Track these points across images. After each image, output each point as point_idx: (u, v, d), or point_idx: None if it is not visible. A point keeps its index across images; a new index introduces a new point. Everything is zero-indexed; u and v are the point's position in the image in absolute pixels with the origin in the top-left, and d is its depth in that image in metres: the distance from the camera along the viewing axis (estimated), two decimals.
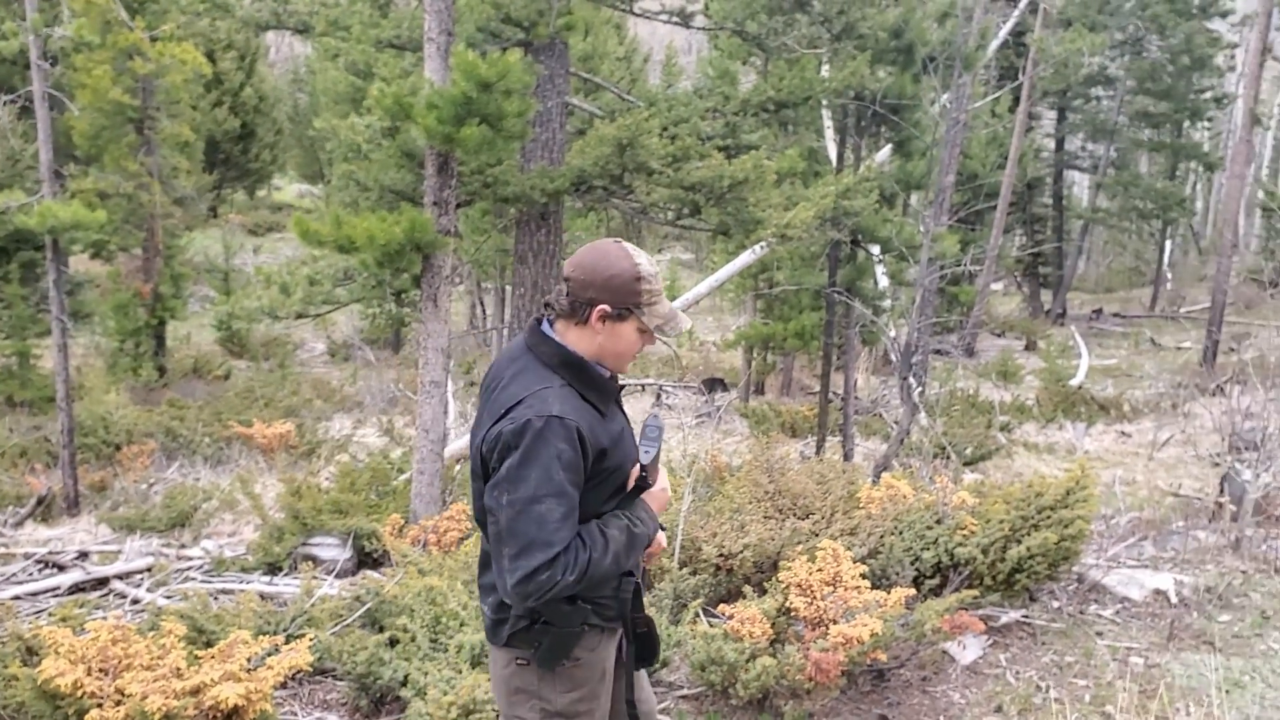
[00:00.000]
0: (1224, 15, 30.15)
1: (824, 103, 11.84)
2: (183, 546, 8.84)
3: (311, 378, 20.73)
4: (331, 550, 7.37)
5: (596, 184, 7.40)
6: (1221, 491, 9.12)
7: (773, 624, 4.89)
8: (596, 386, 2.72)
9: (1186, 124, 32.35)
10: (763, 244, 10.09)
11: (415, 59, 8.06)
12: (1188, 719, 4.91)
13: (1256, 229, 37.62)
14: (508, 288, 18.78)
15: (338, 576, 6.94)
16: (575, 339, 2.72)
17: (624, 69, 33.66)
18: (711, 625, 5.08)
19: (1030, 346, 25.63)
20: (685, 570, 5.61)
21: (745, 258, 11.77)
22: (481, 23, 7.73)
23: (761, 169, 7.21)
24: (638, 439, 2.81)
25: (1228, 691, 5.25)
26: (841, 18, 8.10)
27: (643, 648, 2.95)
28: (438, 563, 5.67)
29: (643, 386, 19.25)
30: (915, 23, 9.02)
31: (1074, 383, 19.24)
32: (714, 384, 18.60)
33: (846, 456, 10.12)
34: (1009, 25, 16.31)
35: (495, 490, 2.55)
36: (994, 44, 15.17)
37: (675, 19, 8.23)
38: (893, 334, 11.09)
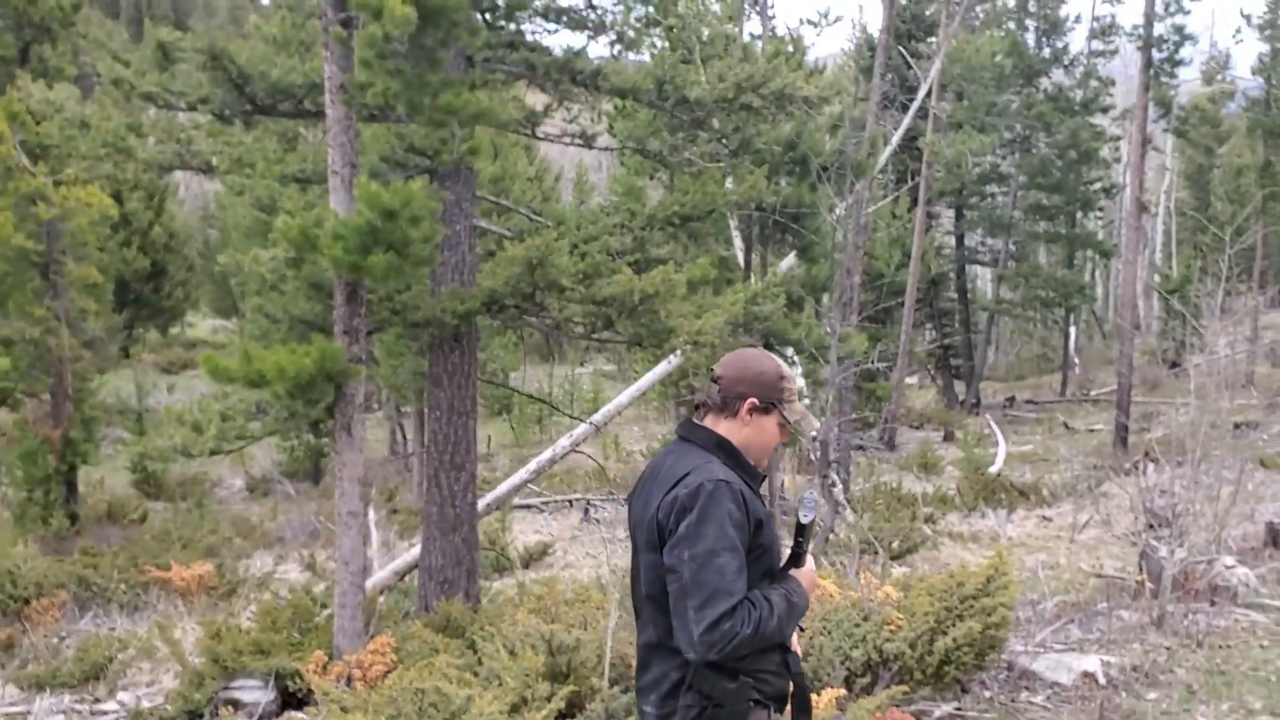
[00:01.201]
0: (1105, 110, 31.79)
1: (730, 213, 12.21)
2: (97, 701, 8.47)
3: (231, 515, 20.22)
4: (254, 693, 7.13)
5: (508, 303, 7.48)
6: (1141, 569, 9.29)
7: None
8: (746, 469, 2.93)
9: (1079, 214, 33.74)
10: (678, 352, 10.24)
11: (320, 191, 8.14)
12: None
13: (1156, 310, 39.05)
14: (426, 410, 18.67)
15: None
16: (725, 430, 2.95)
17: (535, 189, 34.11)
18: None
19: (949, 437, 26.07)
20: (617, 689, 5.53)
21: (663, 367, 11.90)
22: (386, 153, 7.86)
23: (671, 281, 7.36)
24: (798, 510, 2.98)
25: None
26: (738, 134, 8.41)
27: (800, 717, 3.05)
28: (362, 699, 5.52)
29: (570, 502, 19.11)
30: (808, 135, 9.39)
31: (993, 470, 19.56)
32: None
33: None
34: (900, 132, 17.01)
35: (676, 549, 2.72)
36: (887, 150, 15.78)
37: (579, 141, 8.46)
38: (814, 433, 11.21)
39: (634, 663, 5.58)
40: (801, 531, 2.93)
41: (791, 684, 2.98)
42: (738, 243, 13.88)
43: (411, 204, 6.18)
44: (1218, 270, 11.28)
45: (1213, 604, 8.19)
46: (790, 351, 11.15)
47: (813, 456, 9.61)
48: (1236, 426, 22.71)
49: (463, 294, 7.44)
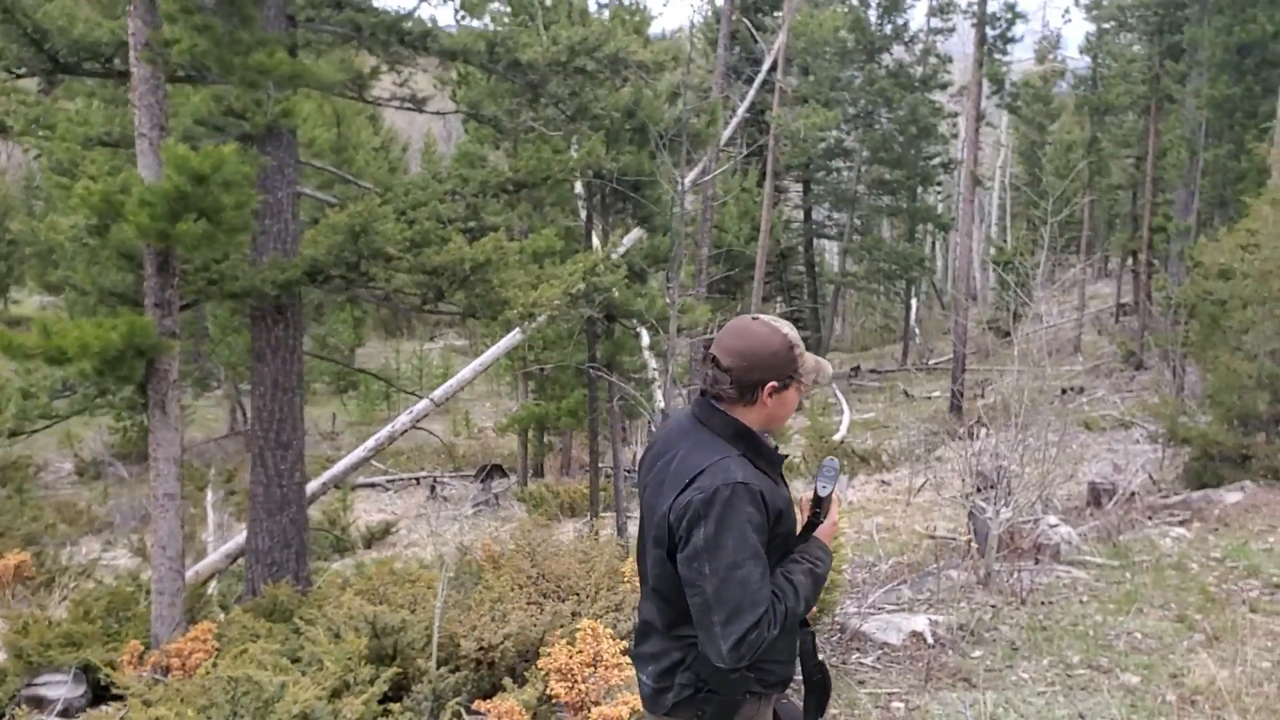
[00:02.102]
0: (943, 87, 32.75)
1: (573, 182, 12.04)
2: None
3: (57, 500, 19.19)
4: (61, 688, 6.70)
5: (333, 273, 7.17)
6: (970, 530, 9.56)
7: (534, 714, 4.72)
8: (766, 456, 2.80)
9: (919, 189, 34.75)
10: (523, 326, 10.05)
11: (130, 155, 7.65)
12: None
13: (991, 282, 40.56)
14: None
15: (67, 716, 6.30)
16: (742, 414, 2.78)
17: (381, 158, 33.31)
18: None
19: (798, 407, 26.60)
20: (445, 669, 5.37)
21: (507, 341, 11.70)
22: (201, 115, 7.43)
23: (503, 250, 7.17)
24: (817, 478, 2.91)
25: None
26: (574, 99, 8.24)
27: (820, 698, 2.99)
28: (174, 690, 5.21)
29: (416, 480, 18.76)
30: (646, 103, 9.29)
31: (837, 438, 20.02)
32: (492, 471, 18.32)
33: (620, 531, 10.08)
34: (746, 103, 17.10)
35: (694, 563, 2.60)
36: (734, 122, 15.85)
37: (408, 105, 8.16)
38: (662, 405, 11.21)
39: (462, 640, 5.45)
40: (819, 503, 2.87)
41: (802, 666, 2.93)
42: (584, 214, 13.75)
43: (223, 168, 5.84)
44: (1046, 242, 11.72)
45: (1036, 562, 8.47)
46: (634, 323, 11.13)
47: (651, 426, 9.57)
48: (1064, 391, 23.79)
49: (283, 264, 7.10)
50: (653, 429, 9.20)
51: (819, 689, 2.99)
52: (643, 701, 2.91)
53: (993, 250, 36.23)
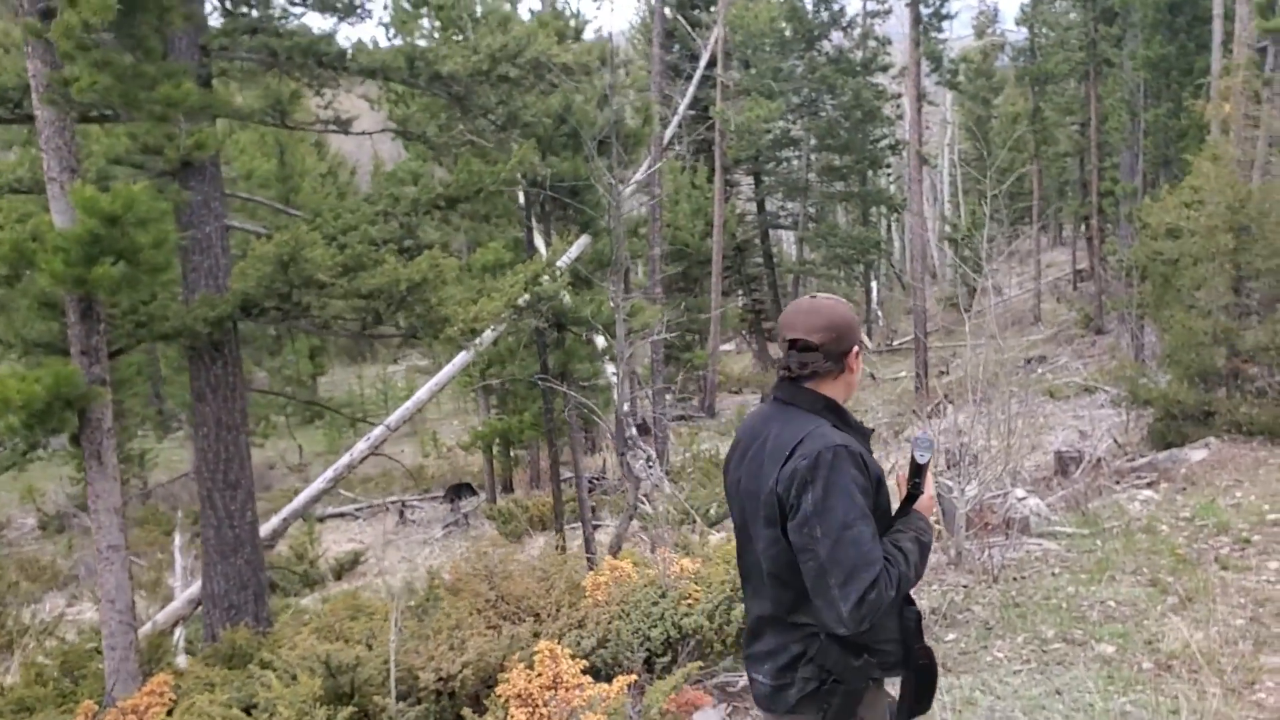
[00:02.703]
0: (884, 69, 32.83)
1: (514, 193, 11.89)
2: None
3: (20, 557, 18.76)
4: None
5: (266, 305, 6.99)
6: (938, 510, 9.49)
7: None
8: (855, 427, 2.84)
9: (869, 172, 34.82)
10: (477, 342, 9.89)
11: (44, 200, 7.43)
12: None
13: (949, 259, 40.70)
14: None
15: None
16: (828, 388, 2.84)
17: (329, 184, 33.00)
18: None
19: (765, 399, 26.52)
20: (404, 704, 5.20)
21: (460, 359, 11.53)
22: (117, 154, 7.23)
23: (439, 267, 7.01)
24: (914, 449, 2.94)
25: (960, 710, 5.31)
26: (503, 108, 8.10)
27: (923, 683, 2.90)
28: None
29: (385, 506, 18.53)
30: (577, 108, 9.16)
31: None
32: (461, 490, 18.12)
33: (588, 543, 9.95)
34: (686, 100, 17.02)
35: (805, 528, 2.60)
36: (675, 119, 15.75)
37: (333, 127, 7.99)
38: (626, 408, 11.07)
39: (420, 672, 5.28)
40: (918, 472, 2.89)
41: (905, 648, 2.84)
42: (534, 223, 13.61)
43: (135, 207, 5.65)
44: (998, 215, 11.70)
45: (1006, 537, 8.39)
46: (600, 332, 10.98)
47: (609, 433, 9.44)
48: (1027, 362, 23.87)
49: (214, 300, 6.90)
50: (609, 433, 9.05)
51: (925, 673, 2.90)
52: (758, 702, 2.88)
53: (947, 227, 36.38)
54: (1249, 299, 11.75)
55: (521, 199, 12.16)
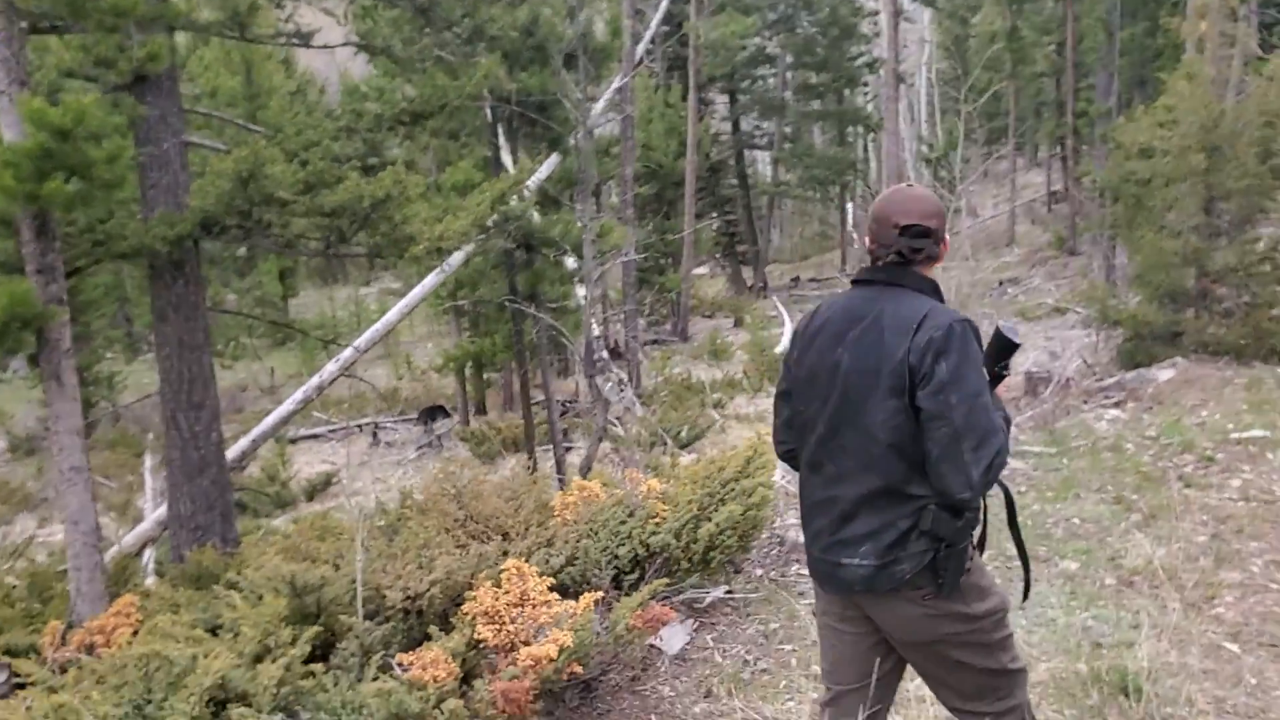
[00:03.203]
0: None
1: (487, 111, 11.67)
2: None
3: None
4: None
5: (228, 223, 6.84)
6: None
7: (462, 661, 4.58)
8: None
9: (846, 91, 34.44)
10: (433, 262, 9.76)
11: None
12: None
13: (926, 179, 40.52)
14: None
15: None
16: (930, 271, 2.97)
17: (298, 102, 32.38)
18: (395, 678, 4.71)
19: (739, 323, 26.51)
20: (372, 622, 5.20)
21: (430, 280, 11.41)
22: (69, 67, 7.01)
23: (404, 184, 6.86)
24: (1003, 332, 3.04)
25: None
26: (468, 20, 7.88)
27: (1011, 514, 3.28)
28: (89, 671, 5.00)
29: (359, 427, 18.49)
30: (545, 20, 8.94)
31: (778, 350, 19.96)
32: (434, 412, 18.08)
33: (559, 465, 9.95)
34: (659, 14, 16.68)
35: (940, 394, 2.70)
36: (648, 34, 15.44)
37: (295, 41, 7.76)
38: (596, 333, 11.03)
39: (387, 591, 5.28)
40: (1008, 353, 3.01)
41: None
42: (502, 141, 13.39)
43: (86, 121, 5.48)
44: (974, 136, 11.63)
45: None
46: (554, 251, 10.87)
47: (578, 356, 9.39)
48: (1000, 283, 23.94)
49: (173, 217, 6.74)
50: (578, 356, 8.99)
51: (1008, 505, 3.24)
52: (851, 586, 2.90)
53: (923, 148, 36.16)
54: (1219, 219, 11.74)
55: (489, 116, 11.96)
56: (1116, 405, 10.03)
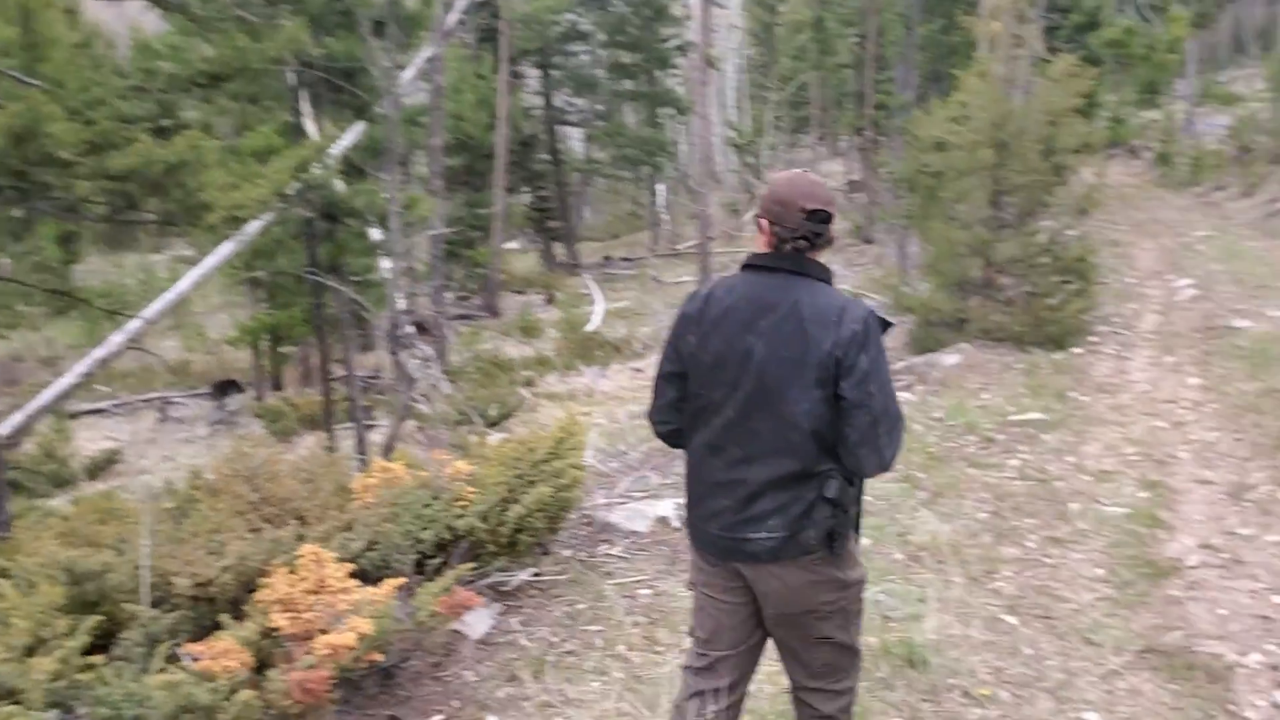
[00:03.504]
0: None
1: (292, 75, 11.19)
2: None
3: None
4: None
5: (1, 184, 6.33)
6: None
7: (256, 650, 4.40)
8: None
9: (658, 72, 34.69)
10: (229, 232, 9.32)
11: None
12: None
13: (734, 164, 41.33)
14: None
15: None
16: (822, 258, 3.13)
17: (85, 57, 30.23)
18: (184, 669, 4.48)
19: (550, 300, 26.45)
20: (159, 610, 4.93)
21: (226, 249, 10.88)
22: None
23: (200, 149, 6.50)
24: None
25: None
26: None
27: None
28: None
29: (147, 402, 17.54)
30: None
31: (589, 328, 20.04)
32: (227, 387, 17.32)
33: (360, 444, 9.68)
34: None
35: (864, 385, 2.90)
36: (458, 3, 15.13)
37: None
38: (403, 307, 10.76)
39: (175, 577, 5.01)
40: (885, 330, 3.08)
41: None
42: (306, 108, 12.87)
43: None
44: (780, 123, 11.92)
45: None
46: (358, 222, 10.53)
47: (381, 336, 9.15)
48: None
49: None
50: (380, 332, 8.75)
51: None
52: (758, 557, 3.05)
53: (732, 133, 36.85)
54: (1005, 212, 12.42)
55: (293, 80, 11.47)
56: (907, 388, 10.49)
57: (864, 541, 6.36)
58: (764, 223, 3.10)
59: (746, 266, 3.14)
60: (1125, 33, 20.61)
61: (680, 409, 3.23)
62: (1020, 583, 5.69)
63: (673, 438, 3.33)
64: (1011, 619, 5.22)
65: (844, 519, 3.02)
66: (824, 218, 3.02)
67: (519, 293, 28.85)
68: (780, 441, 2.99)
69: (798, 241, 3.03)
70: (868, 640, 4.86)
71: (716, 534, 3.13)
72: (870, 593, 5.49)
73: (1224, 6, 28.94)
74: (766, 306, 3.01)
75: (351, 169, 9.84)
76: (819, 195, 3.04)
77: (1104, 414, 9.20)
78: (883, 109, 26.09)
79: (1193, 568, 5.86)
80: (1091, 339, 11.98)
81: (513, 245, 34.96)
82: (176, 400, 17.48)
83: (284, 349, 18.07)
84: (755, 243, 3.18)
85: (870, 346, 2.92)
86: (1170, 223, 21.93)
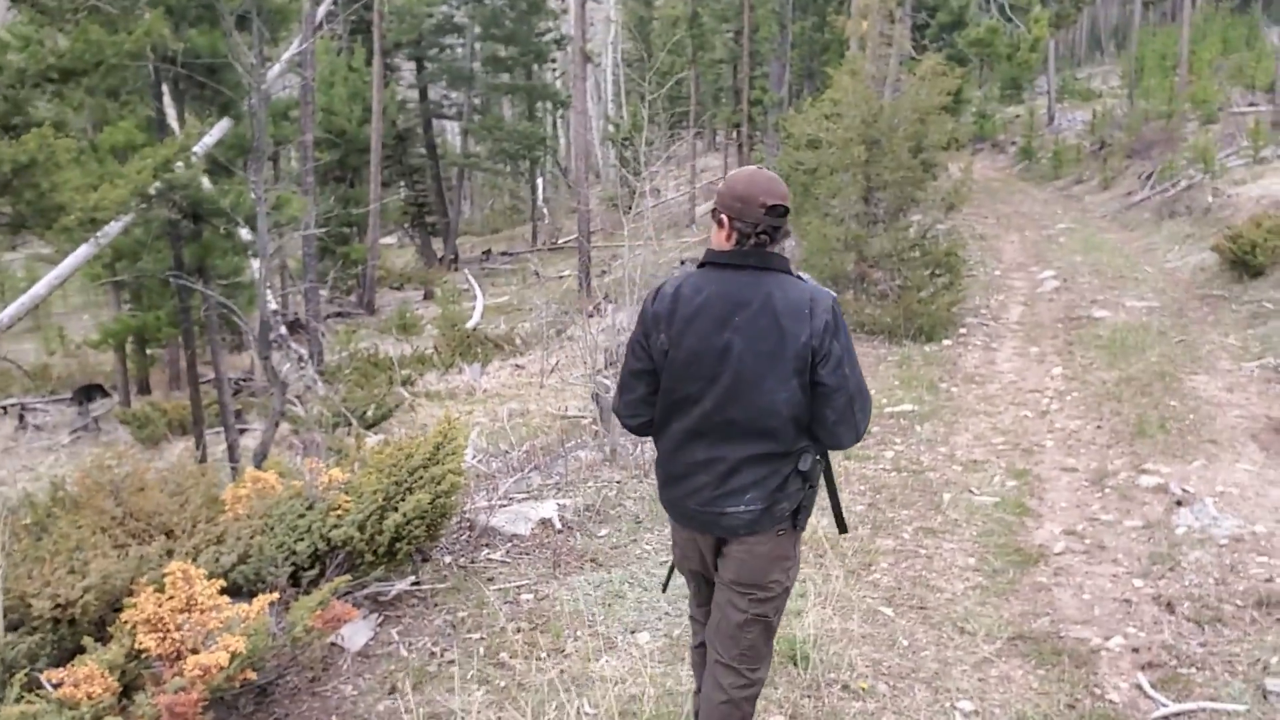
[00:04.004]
0: None
1: (153, 69, 10.76)
2: None
3: None
4: None
5: None
6: (596, 408, 9.70)
7: (121, 674, 4.21)
8: None
9: (535, 66, 34.54)
10: (102, 232, 8.95)
11: None
12: (575, 643, 5.02)
13: (612, 158, 41.38)
14: None
15: None
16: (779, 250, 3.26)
17: None
18: (43, 696, 4.28)
19: (429, 296, 26.11)
20: (16, 634, 4.69)
21: (84, 250, 10.44)
22: None
23: (52, 147, 6.19)
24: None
25: (609, 605, 5.47)
26: None
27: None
28: None
29: (3, 409, 16.71)
30: None
31: (470, 325, 19.83)
32: (91, 392, 16.62)
33: (231, 450, 9.38)
34: None
35: (840, 369, 3.10)
36: None
37: None
38: (274, 307, 10.46)
39: (33, 599, 4.78)
40: None
41: None
42: (168, 103, 12.40)
43: None
44: (657, 118, 11.94)
45: None
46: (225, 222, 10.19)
47: (250, 339, 8.88)
48: (682, 263, 24.85)
49: None
50: (252, 338, 8.50)
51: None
52: (736, 530, 3.22)
53: (610, 127, 36.90)
54: (877, 208, 12.71)
55: (154, 74, 11.04)
56: None
57: None
58: (724, 218, 3.19)
59: (710, 264, 3.23)
60: (989, 32, 21.25)
61: (650, 403, 3.34)
62: (897, 574, 5.82)
63: (643, 429, 3.44)
64: (889, 611, 5.34)
65: (810, 494, 3.24)
66: (782, 212, 3.15)
67: (397, 289, 28.42)
68: (759, 426, 3.14)
69: (759, 236, 3.15)
70: None
71: (695, 509, 3.27)
72: None
73: (1082, 7, 30.09)
74: (739, 303, 3.13)
75: (218, 167, 9.52)
76: (776, 191, 3.15)
77: (974, 404, 9.48)
78: (758, 105, 26.43)
79: (1058, 554, 6.08)
80: (961, 331, 12.34)
81: (390, 241, 34.42)
82: (36, 406, 16.69)
83: (151, 351, 17.41)
84: (713, 239, 3.26)
85: (840, 332, 3.12)
86: (1034, 216, 22.75)
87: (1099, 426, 8.54)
